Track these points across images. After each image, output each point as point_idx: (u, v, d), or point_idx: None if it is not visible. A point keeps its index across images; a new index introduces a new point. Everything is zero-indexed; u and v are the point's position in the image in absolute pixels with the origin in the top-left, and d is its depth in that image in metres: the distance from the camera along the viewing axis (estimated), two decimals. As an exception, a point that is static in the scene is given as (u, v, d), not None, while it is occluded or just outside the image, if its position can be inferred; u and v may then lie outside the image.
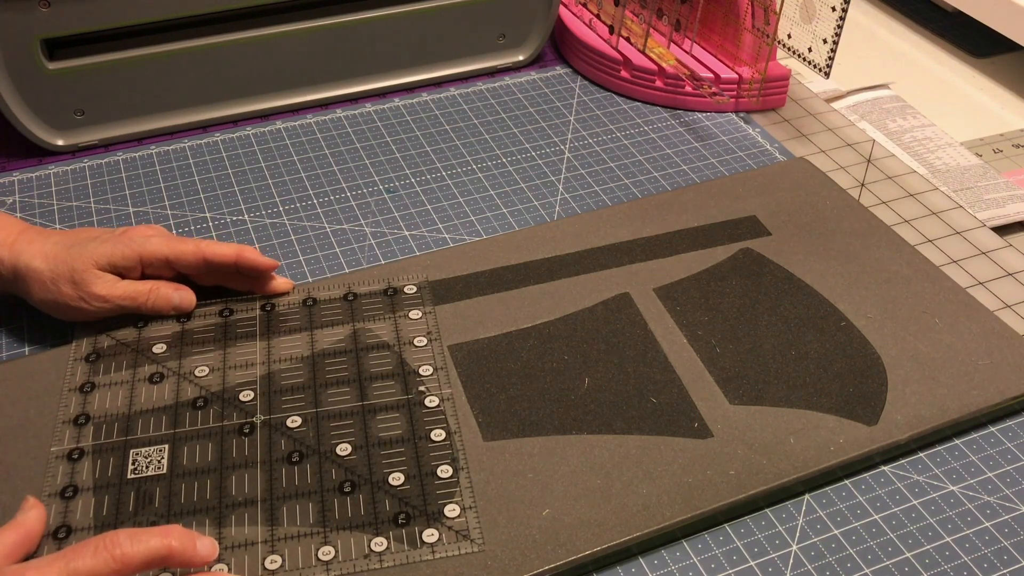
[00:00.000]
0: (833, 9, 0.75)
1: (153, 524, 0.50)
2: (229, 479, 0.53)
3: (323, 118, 0.83)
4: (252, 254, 0.61)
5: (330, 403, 0.57)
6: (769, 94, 0.84)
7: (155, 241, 0.60)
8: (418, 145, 0.81)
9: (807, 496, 0.54)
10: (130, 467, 0.53)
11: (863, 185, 0.76)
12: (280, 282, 0.64)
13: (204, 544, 0.47)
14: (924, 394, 0.57)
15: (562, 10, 0.92)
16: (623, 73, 0.86)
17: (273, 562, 0.49)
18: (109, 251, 0.59)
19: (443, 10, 0.84)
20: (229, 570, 0.49)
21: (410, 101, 0.86)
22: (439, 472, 0.53)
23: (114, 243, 0.59)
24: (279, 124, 0.83)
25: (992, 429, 0.57)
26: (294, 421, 0.56)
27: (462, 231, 0.72)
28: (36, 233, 0.61)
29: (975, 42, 0.97)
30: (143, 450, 0.54)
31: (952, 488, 0.54)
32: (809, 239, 0.68)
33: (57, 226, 0.72)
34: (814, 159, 0.78)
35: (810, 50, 0.79)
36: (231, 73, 0.80)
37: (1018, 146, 0.83)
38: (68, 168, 0.77)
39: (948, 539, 0.51)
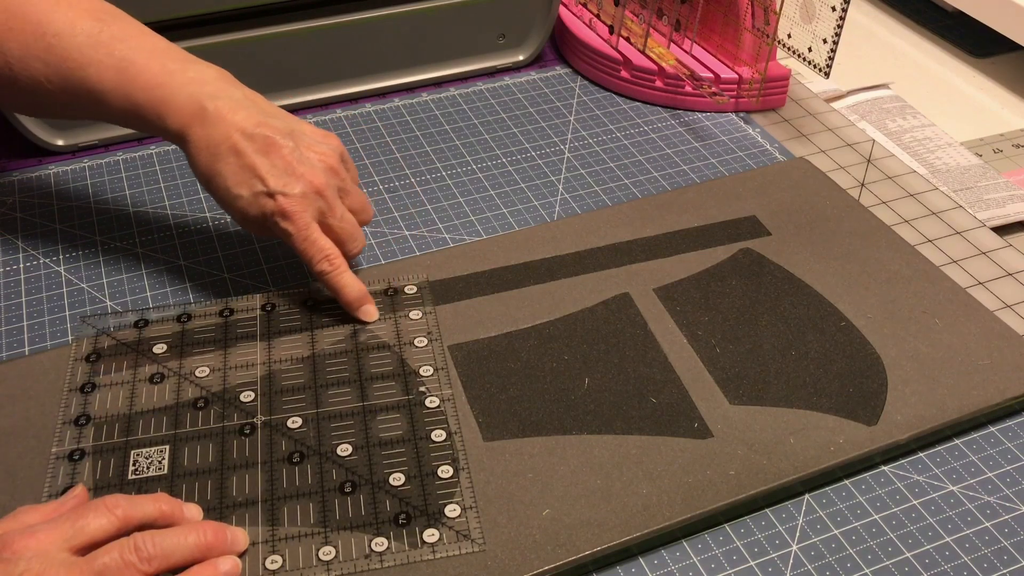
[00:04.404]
0: (833, 9, 0.75)
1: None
2: (230, 479, 0.53)
3: (323, 118, 0.83)
4: (351, 296, 0.61)
5: (331, 403, 0.57)
6: (769, 94, 0.84)
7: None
8: (418, 145, 0.81)
9: (807, 496, 0.54)
10: (131, 468, 0.53)
11: (863, 185, 0.76)
12: (367, 309, 0.62)
13: (190, 509, 0.51)
14: (924, 394, 0.57)
15: (562, 10, 0.92)
16: (623, 73, 0.86)
17: (274, 562, 0.49)
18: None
19: (443, 10, 0.84)
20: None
21: (410, 101, 0.86)
22: (440, 472, 0.53)
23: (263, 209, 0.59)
24: (279, 124, 0.83)
25: (992, 429, 0.57)
26: (295, 421, 0.56)
27: (462, 231, 0.72)
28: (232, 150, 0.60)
29: (975, 42, 0.97)
30: (144, 451, 0.54)
31: (952, 488, 0.54)
32: (809, 239, 0.68)
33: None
34: (814, 159, 0.78)
35: (810, 50, 0.79)
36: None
37: (1018, 146, 0.83)
38: (68, 168, 0.77)
39: (948, 539, 0.51)
